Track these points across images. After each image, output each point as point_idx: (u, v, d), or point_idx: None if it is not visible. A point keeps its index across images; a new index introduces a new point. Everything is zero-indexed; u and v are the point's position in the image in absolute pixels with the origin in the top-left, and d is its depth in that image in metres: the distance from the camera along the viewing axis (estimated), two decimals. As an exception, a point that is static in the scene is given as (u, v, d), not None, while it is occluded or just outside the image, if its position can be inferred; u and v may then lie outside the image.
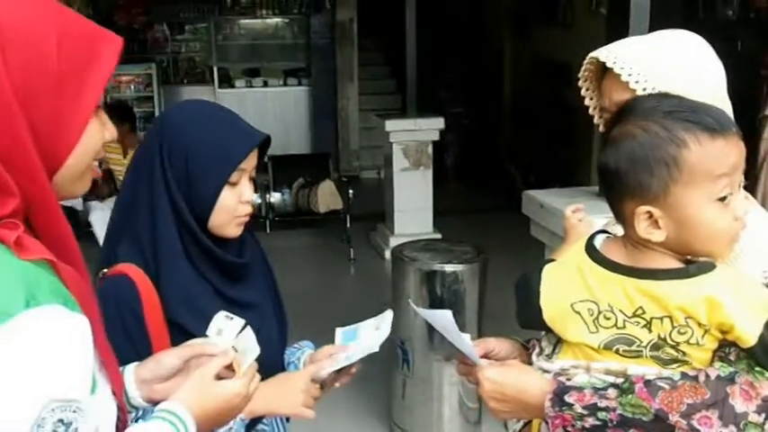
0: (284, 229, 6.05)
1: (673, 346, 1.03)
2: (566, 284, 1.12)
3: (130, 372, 1.07)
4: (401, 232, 5.49)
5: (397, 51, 7.82)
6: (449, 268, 2.96)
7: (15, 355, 0.71)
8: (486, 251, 3.12)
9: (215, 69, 8.70)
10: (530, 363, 1.20)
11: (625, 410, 1.02)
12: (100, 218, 4.89)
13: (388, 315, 1.35)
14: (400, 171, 5.55)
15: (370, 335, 1.33)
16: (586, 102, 1.31)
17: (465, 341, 1.21)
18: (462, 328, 3.37)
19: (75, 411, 0.74)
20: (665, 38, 1.21)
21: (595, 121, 1.31)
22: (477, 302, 3.01)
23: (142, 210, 1.26)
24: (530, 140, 7.17)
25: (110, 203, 4.67)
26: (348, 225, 5.70)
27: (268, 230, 5.98)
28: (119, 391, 0.86)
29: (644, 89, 1.14)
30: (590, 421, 1.05)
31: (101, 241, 1.94)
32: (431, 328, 3.02)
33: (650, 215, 1.03)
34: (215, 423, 1.02)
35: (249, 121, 1.32)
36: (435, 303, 2.95)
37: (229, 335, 1.07)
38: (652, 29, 2.37)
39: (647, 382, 1.02)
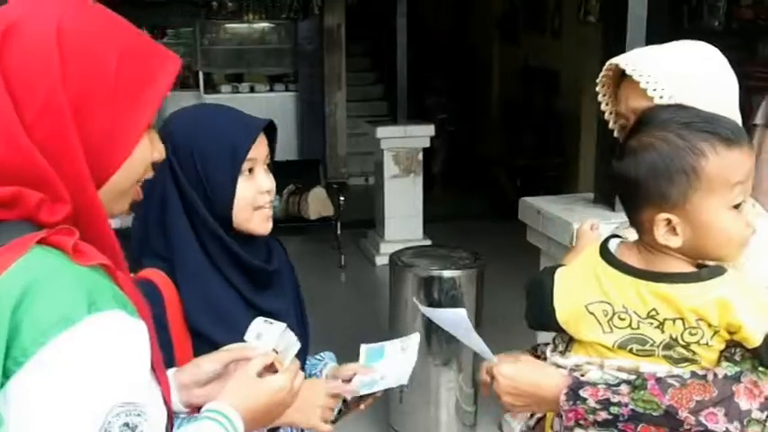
0: (274, 235, 6.01)
1: (684, 346, 1.08)
2: (580, 286, 1.15)
3: (171, 376, 1.07)
4: (391, 238, 5.51)
5: (384, 57, 7.85)
6: (447, 274, 2.99)
7: (81, 361, 0.72)
8: (481, 257, 3.16)
9: (200, 74, 8.65)
10: None
11: (637, 406, 1.07)
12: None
13: (415, 338, 1.33)
14: (391, 178, 5.57)
15: (396, 357, 1.30)
16: (602, 107, 1.34)
17: (477, 339, 1.24)
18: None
19: (139, 415, 0.75)
20: (685, 48, 1.25)
21: (610, 126, 1.34)
22: (475, 307, 3.04)
23: (157, 219, 1.24)
24: (518, 147, 7.22)
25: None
26: (339, 232, 5.70)
27: (258, 236, 5.95)
28: (168, 396, 0.87)
29: (661, 97, 1.17)
30: (602, 415, 1.09)
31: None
32: (429, 334, 3.06)
33: (669, 222, 1.06)
34: (263, 421, 1.02)
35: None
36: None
37: (269, 338, 1.07)
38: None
39: (659, 380, 1.07)
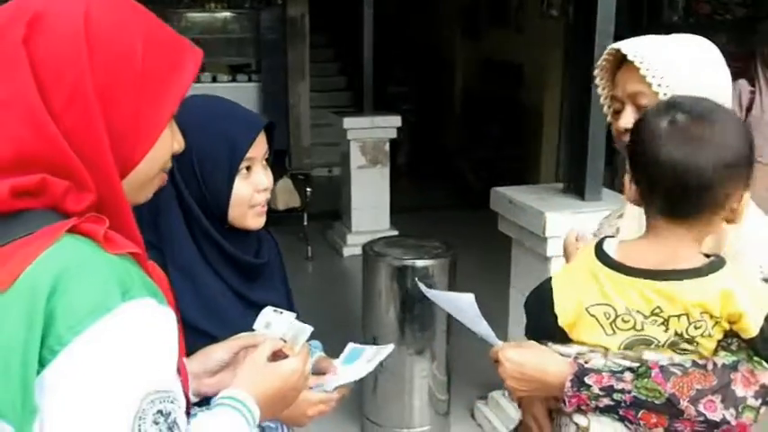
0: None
1: (688, 341, 1.11)
2: (578, 288, 1.17)
3: None
4: (358, 229, 5.53)
5: (348, 48, 7.82)
6: (420, 263, 3.02)
7: (116, 349, 0.72)
8: (453, 246, 3.20)
9: (161, 64, 8.49)
10: None
11: (639, 393, 1.10)
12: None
13: (386, 350, 1.32)
14: (357, 168, 5.58)
15: (365, 362, 1.29)
16: (599, 91, 1.39)
17: (483, 324, 1.26)
18: (433, 321, 3.41)
19: (172, 402, 0.76)
20: (684, 40, 1.30)
21: (604, 110, 1.39)
22: (448, 297, 3.08)
23: (150, 208, 1.25)
24: (481, 139, 7.30)
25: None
26: (305, 223, 5.69)
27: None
28: (186, 385, 0.87)
29: (659, 85, 1.22)
30: (605, 401, 1.12)
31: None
32: (402, 324, 3.09)
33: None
34: (279, 405, 1.02)
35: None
36: (407, 298, 3.01)
37: (278, 327, 1.07)
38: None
39: (662, 368, 1.10)
